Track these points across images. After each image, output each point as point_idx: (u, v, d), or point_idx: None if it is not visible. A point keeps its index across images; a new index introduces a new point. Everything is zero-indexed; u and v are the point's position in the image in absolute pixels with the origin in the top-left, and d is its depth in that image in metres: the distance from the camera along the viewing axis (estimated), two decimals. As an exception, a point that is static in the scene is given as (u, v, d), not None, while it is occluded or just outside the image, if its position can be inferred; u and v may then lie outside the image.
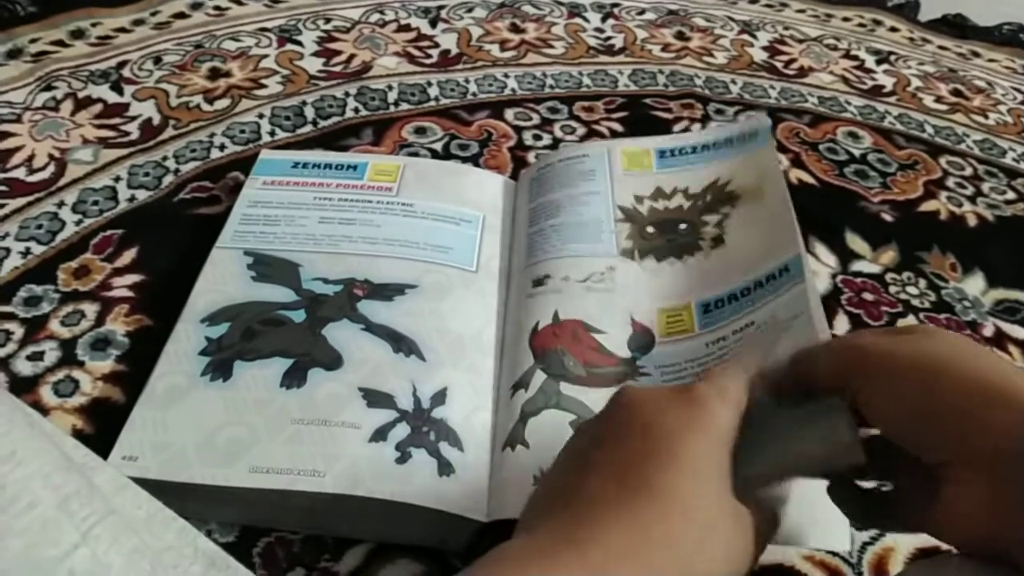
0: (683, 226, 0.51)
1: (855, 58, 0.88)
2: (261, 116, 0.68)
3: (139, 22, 0.77)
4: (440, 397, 0.44)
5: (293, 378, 0.44)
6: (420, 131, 0.69)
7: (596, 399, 0.44)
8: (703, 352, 0.45)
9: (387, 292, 0.49)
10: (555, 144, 0.69)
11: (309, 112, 0.69)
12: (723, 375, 0.33)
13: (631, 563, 0.26)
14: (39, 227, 0.55)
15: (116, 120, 0.65)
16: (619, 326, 0.47)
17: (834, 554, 0.43)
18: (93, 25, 0.75)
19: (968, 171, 0.74)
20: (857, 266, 0.62)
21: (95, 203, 0.58)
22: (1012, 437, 0.28)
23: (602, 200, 0.54)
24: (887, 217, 0.67)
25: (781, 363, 0.37)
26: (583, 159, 0.57)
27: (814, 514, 0.40)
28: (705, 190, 0.52)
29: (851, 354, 0.33)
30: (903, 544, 0.44)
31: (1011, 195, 0.72)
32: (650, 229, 0.52)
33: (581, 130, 0.71)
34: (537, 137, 0.70)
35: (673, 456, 0.29)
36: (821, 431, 0.33)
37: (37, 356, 0.48)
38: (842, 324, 0.57)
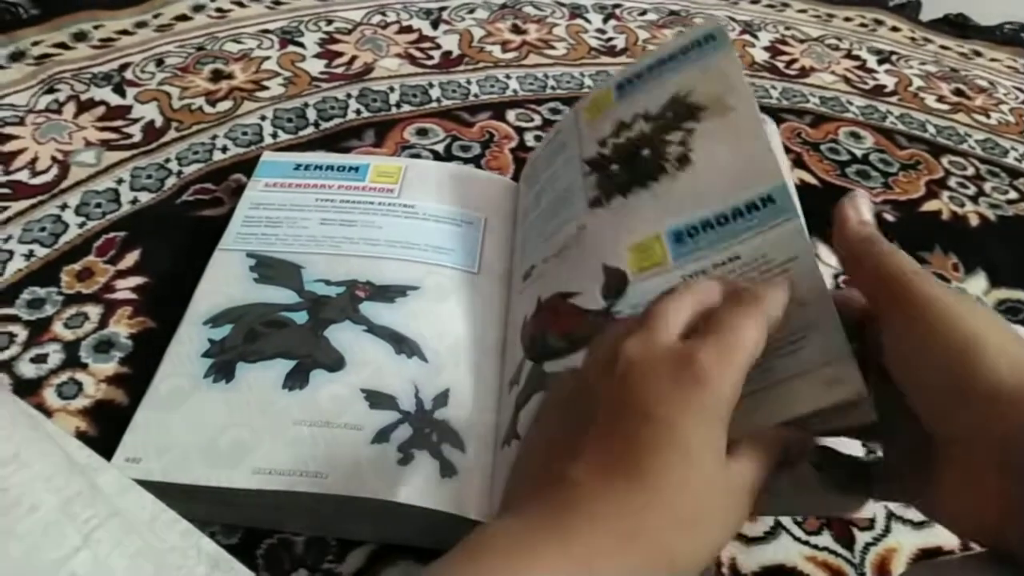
0: (645, 151, 0.46)
1: (856, 58, 0.88)
2: (263, 118, 0.68)
3: (141, 24, 0.77)
4: (442, 398, 0.44)
5: (295, 380, 0.44)
6: (422, 132, 0.69)
7: (577, 360, 0.40)
8: None
9: (389, 294, 0.49)
10: (557, 145, 0.69)
11: (311, 114, 0.69)
12: (735, 329, 0.30)
13: (613, 559, 0.26)
14: (42, 229, 0.56)
15: (119, 122, 0.66)
16: (592, 280, 0.44)
17: (836, 554, 0.43)
18: (95, 27, 0.75)
19: (970, 171, 0.74)
20: (859, 266, 0.62)
21: (98, 205, 0.58)
22: None
23: (571, 166, 0.50)
24: (889, 217, 0.67)
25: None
26: (558, 135, 0.54)
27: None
28: (664, 107, 0.47)
29: (900, 283, 0.30)
30: (906, 545, 0.44)
31: (1013, 195, 0.71)
32: (614, 167, 0.47)
33: (583, 131, 0.71)
34: (539, 138, 0.70)
35: (668, 443, 0.27)
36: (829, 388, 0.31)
37: (41, 358, 0.48)
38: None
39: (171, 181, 0.61)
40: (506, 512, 0.30)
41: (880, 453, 0.36)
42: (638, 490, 0.27)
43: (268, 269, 0.50)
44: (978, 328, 0.28)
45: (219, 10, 0.81)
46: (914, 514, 0.45)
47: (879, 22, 0.97)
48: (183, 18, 0.79)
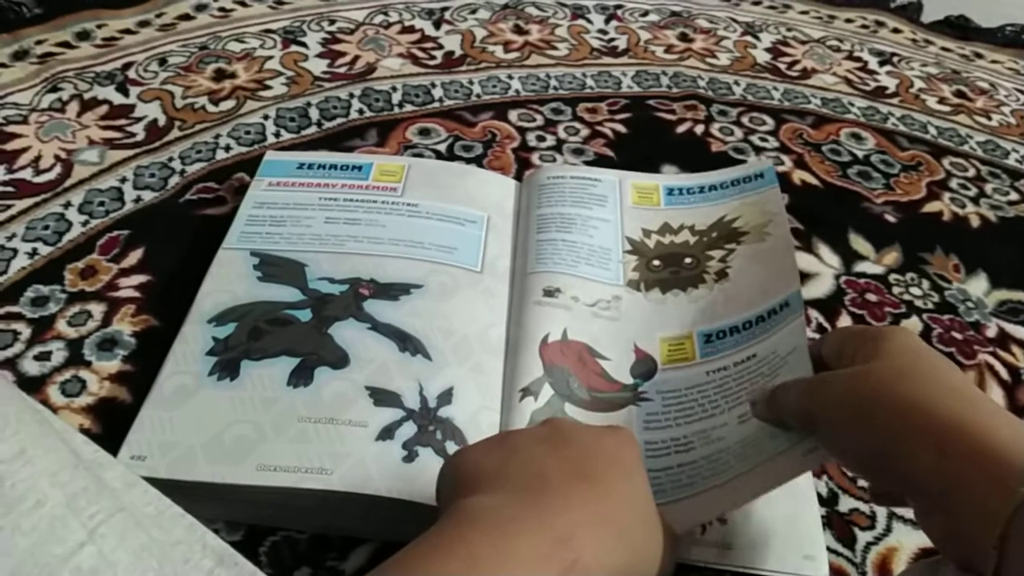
0: (688, 260, 0.52)
1: (858, 59, 0.89)
2: (266, 117, 0.68)
3: (144, 23, 0.77)
4: (446, 396, 0.44)
5: (300, 377, 0.44)
6: (424, 132, 0.69)
7: (597, 421, 0.45)
8: (704, 380, 0.46)
9: (393, 292, 0.49)
10: (559, 145, 0.69)
11: (314, 113, 0.69)
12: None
13: (589, 531, 0.30)
14: (46, 228, 0.56)
15: (122, 121, 0.66)
16: (622, 353, 0.48)
17: (838, 553, 0.43)
18: (99, 27, 0.76)
19: (971, 172, 0.74)
20: (860, 267, 0.62)
21: (101, 204, 0.58)
22: (937, 475, 0.30)
23: (612, 228, 0.55)
24: (890, 218, 0.67)
25: (764, 394, 0.40)
26: (596, 183, 0.58)
27: (791, 537, 0.42)
28: (711, 227, 0.54)
29: (810, 395, 0.36)
30: (907, 544, 0.44)
31: (1014, 196, 0.72)
32: (656, 262, 0.53)
33: (585, 131, 0.71)
34: (541, 138, 0.70)
35: (614, 461, 0.33)
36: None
37: (44, 356, 0.48)
38: (845, 325, 0.57)
39: (174, 180, 0.61)
40: (479, 493, 0.31)
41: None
42: (601, 489, 0.32)
43: (272, 267, 0.50)
44: (870, 387, 0.33)
45: (222, 9, 0.81)
46: (916, 513, 0.45)
47: (880, 24, 0.97)
48: (186, 17, 0.79)
